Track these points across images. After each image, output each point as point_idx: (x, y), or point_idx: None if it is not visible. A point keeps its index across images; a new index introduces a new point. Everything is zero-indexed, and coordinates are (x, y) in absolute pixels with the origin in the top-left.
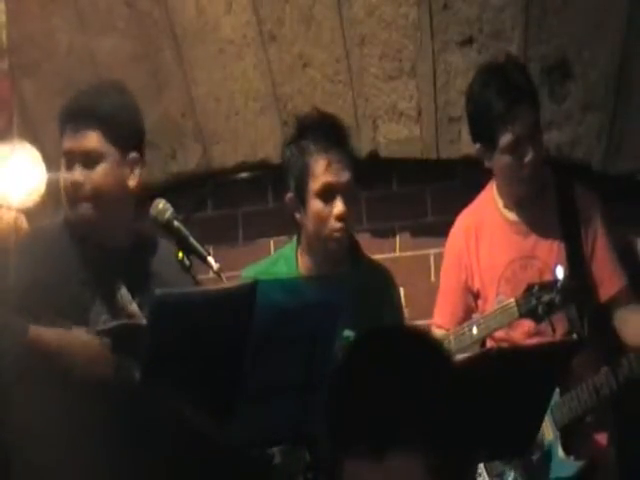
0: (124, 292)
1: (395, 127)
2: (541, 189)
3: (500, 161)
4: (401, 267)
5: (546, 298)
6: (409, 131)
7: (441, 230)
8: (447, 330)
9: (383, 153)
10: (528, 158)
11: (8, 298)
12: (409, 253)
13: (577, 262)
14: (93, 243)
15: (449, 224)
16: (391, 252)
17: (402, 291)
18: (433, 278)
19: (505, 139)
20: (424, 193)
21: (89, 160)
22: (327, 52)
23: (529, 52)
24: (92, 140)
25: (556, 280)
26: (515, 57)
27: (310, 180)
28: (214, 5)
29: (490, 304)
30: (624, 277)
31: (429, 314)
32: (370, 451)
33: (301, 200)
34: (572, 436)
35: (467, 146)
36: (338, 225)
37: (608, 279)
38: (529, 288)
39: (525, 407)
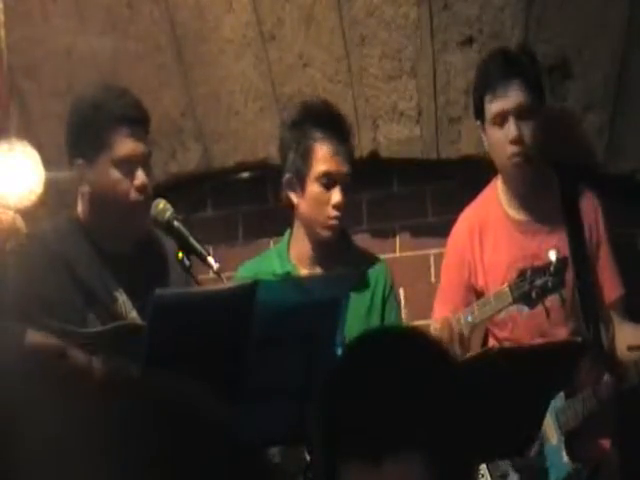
0: (124, 299)
1: (395, 127)
2: (545, 189)
3: (488, 133)
4: (401, 267)
5: (539, 282)
6: (409, 131)
7: (441, 230)
8: None
9: (383, 153)
10: (512, 135)
11: (5, 300)
12: (409, 253)
13: (581, 263)
14: (104, 247)
15: (449, 224)
16: (391, 252)
17: (402, 291)
18: (433, 278)
19: (492, 108)
20: (424, 193)
21: (148, 164)
22: (327, 52)
23: None
24: (145, 143)
25: (549, 263)
26: (528, 47)
27: (313, 164)
28: (214, 5)
29: None
30: (621, 287)
31: (429, 314)
32: (367, 457)
33: (300, 182)
34: (576, 440)
35: (467, 146)
36: (334, 213)
37: (608, 287)
38: (522, 273)
39: (526, 406)
